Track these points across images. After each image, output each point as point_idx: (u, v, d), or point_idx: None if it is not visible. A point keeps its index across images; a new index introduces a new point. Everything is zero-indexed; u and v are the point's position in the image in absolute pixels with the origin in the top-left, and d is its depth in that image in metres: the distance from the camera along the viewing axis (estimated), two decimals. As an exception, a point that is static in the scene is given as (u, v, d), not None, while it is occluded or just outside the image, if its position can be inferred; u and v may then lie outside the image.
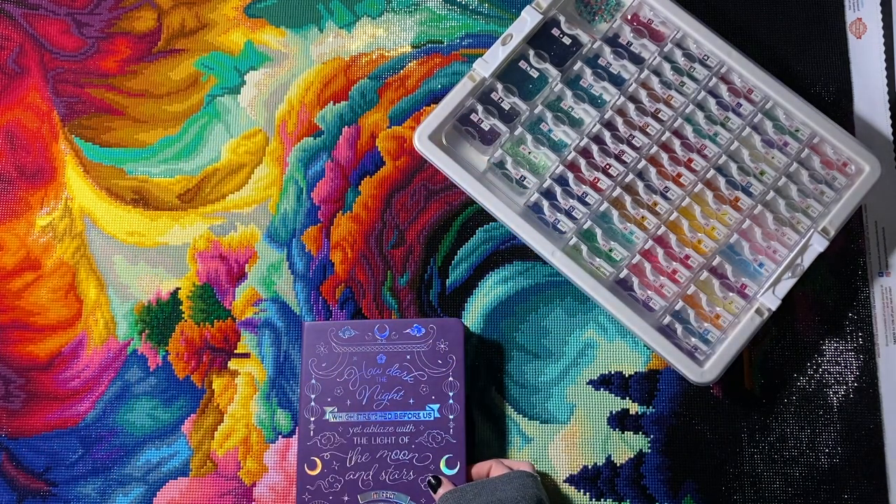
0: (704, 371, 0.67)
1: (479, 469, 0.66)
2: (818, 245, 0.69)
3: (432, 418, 0.68)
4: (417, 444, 0.67)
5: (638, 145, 0.72)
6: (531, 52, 0.74)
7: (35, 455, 0.72)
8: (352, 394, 0.68)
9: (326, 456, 0.67)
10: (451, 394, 0.68)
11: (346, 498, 0.67)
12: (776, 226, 0.70)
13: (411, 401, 0.68)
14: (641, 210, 0.71)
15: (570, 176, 0.72)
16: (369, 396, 0.68)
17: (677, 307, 0.69)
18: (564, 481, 0.71)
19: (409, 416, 0.68)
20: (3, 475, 0.72)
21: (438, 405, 0.68)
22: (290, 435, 0.72)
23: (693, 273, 0.70)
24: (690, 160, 0.72)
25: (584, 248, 0.70)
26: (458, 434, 0.68)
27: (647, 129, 0.72)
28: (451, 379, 0.68)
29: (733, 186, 0.71)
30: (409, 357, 0.69)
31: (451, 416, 0.68)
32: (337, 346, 0.69)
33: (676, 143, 0.72)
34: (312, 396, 0.68)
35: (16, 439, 0.73)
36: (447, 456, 0.67)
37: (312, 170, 0.76)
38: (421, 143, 0.71)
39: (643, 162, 0.72)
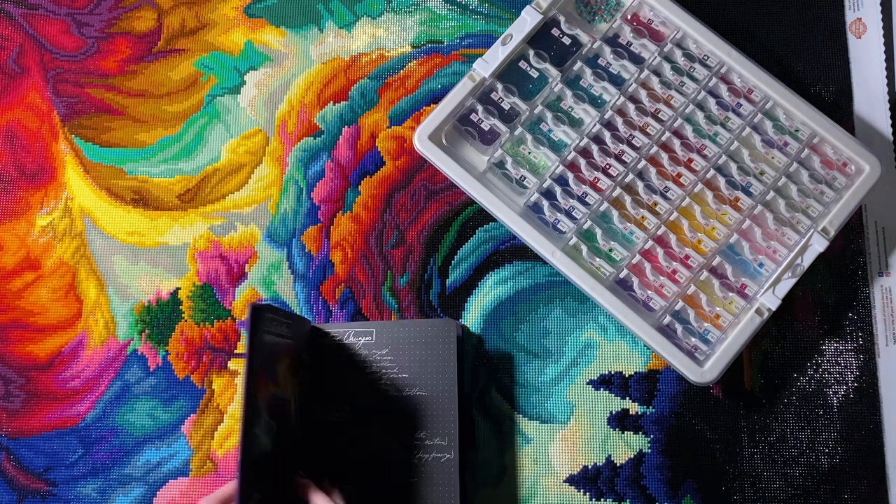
0: (704, 371, 0.67)
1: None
2: (818, 245, 0.69)
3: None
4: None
5: (638, 145, 0.72)
6: (531, 52, 0.74)
7: (35, 455, 0.72)
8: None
9: (326, 456, 0.67)
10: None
11: (346, 498, 0.67)
12: (776, 226, 0.70)
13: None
14: (641, 210, 0.71)
15: (570, 176, 0.72)
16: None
17: (677, 307, 0.69)
18: (564, 481, 0.71)
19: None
20: (3, 475, 0.72)
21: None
22: (290, 435, 0.72)
23: (693, 273, 0.70)
24: (690, 160, 0.72)
25: (584, 248, 0.70)
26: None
27: (647, 129, 0.72)
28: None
29: (733, 186, 0.71)
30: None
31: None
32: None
33: (676, 143, 0.72)
34: (312, 396, 0.68)
35: (16, 439, 0.73)
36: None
37: (312, 170, 0.76)
38: (421, 143, 0.71)
39: (643, 162, 0.72)
